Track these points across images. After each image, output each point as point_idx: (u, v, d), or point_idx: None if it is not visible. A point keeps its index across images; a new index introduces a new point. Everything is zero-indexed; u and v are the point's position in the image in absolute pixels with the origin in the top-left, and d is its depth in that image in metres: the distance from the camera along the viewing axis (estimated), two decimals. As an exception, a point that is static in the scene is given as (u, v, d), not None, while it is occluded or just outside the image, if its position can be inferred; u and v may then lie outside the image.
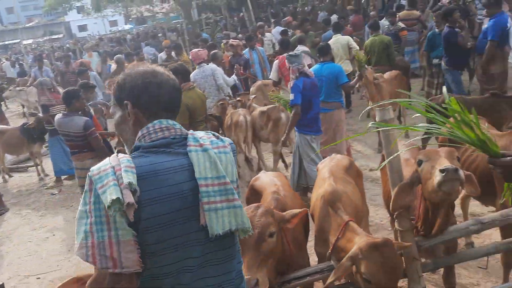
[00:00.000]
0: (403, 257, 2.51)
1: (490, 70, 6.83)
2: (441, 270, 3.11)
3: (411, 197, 2.41)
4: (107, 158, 1.58)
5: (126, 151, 1.74)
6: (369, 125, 2.30)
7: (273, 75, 7.51)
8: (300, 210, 2.44)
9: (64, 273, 4.88)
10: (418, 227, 2.60)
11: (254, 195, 3.05)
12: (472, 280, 3.55)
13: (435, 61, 7.84)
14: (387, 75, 7.39)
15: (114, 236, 1.45)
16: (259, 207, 2.37)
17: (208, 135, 1.70)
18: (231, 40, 10.20)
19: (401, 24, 9.85)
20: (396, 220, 2.53)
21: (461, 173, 2.13)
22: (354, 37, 10.67)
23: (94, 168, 1.54)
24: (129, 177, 1.46)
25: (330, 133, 5.86)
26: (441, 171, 2.12)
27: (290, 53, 5.59)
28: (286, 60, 5.76)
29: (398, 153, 2.35)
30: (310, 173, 5.26)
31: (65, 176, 8.03)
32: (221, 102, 6.83)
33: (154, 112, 1.65)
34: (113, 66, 10.93)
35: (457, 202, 3.71)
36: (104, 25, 37.11)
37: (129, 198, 1.43)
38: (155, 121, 1.63)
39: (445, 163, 2.16)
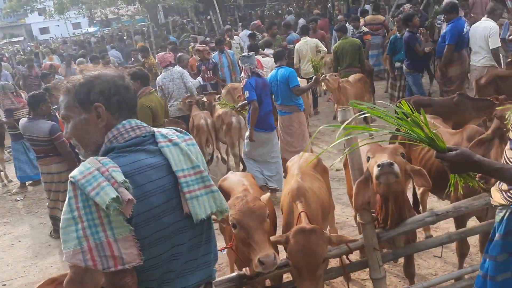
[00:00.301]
0: (365, 248, 2.67)
1: (448, 73, 7.14)
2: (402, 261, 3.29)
3: (369, 193, 2.57)
4: (85, 162, 1.58)
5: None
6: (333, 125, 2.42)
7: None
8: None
9: (32, 279, 4.82)
10: (379, 220, 2.76)
11: (223, 194, 3.13)
12: (431, 270, 3.75)
13: (397, 64, 8.14)
14: (351, 78, 7.63)
15: (110, 235, 1.49)
16: (246, 196, 2.51)
17: (172, 131, 1.79)
18: (197, 45, 10.22)
19: (365, 29, 10.16)
20: (358, 213, 2.68)
21: (396, 167, 2.35)
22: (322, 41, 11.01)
23: (76, 174, 1.54)
24: (121, 176, 1.52)
25: (292, 135, 6.06)
26: (378, 165, 2.33)
27: (243, 54, 5.99)
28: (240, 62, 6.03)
29: (356, 148, 2.49)
30: (250, 171, 5.62)
31: (30, 182, 7.86)
32: (188, 100, 6.94)
33: (124, 113, 1.71)
34: (77, 69, 10.77)
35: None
36: (67, 27, 36.24)
37: (127, 195, 1.49)
38: (124, 122, 1.68)
39: (383, 158, 2.35)
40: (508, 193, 2.03)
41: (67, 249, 1.48)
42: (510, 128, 2.13)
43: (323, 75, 6.52)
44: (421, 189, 4.17)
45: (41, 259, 5.30)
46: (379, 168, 2.33)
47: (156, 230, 1.59)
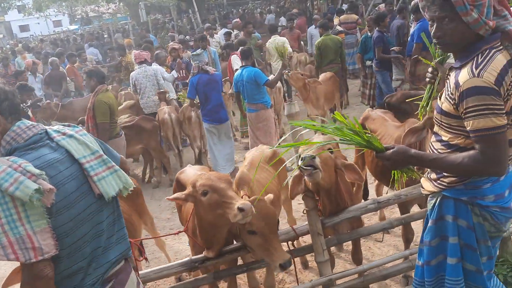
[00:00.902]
0: (310, 234, 2.86)
1: (417, 71, 7.37)
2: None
3: (302, 186, 2.80)
4: None
5: None
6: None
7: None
8: None
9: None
10: (320, 209, 2.94)
11: (180, 187, 3.30)
12: (383, 257, 3.96)
13: (368, 63, 8.36)
14: (322, 76, 7.84)
15: (29, 228, 1.58)
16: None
17: (61, 126, 1.94)
18: (172, 43, 10.33)
19: (339, 28, 10.38)
20: (303, 201, 2.85)
21: (317, 160, 2.52)
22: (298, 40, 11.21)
23: None
24: (35, 169, 1.65)
25: (259, 131, 6.26)
26: (301, 158, 2.49)
27: (194, 52, 6.63)
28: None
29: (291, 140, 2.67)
30: (213, 160, 6.55)
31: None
32: (161, 91, 7.26)
33: (15, 117, 1.82)
34: None
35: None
36: (48, 25, 35.86)
37: (47, 185, 1.62)
38: (18, 123, 1.79)
39: (308, 152, 2.52)
40: (438, 181, 2.18)
41: None
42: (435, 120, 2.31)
43: (287, 71, 6.72)
44: (376, 181, 4.39)
45: None
46: (301, 161, 2.47)
47: (76, 214, 1.75)
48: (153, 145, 6.77)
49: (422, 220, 3.37)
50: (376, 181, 4.41)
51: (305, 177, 2.61)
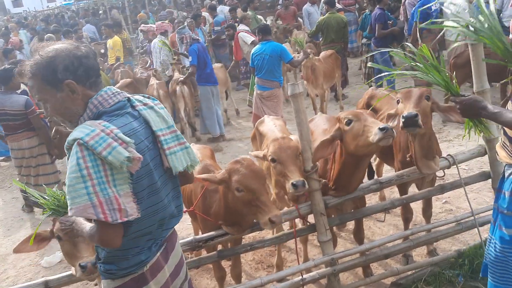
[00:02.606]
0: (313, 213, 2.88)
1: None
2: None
3: (330, 151, 2.79)
4: (86, 125, 1.70)
5: (67, 129, 1.93)
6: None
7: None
8: None
9: (4, 251, 4.94)
10: (331, 186, 2.95)
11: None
12: (383, 236, 4.01)
13: (363, 40, 8.28)
14: (322, 54, 7.76)
15: (116, 191, 1.66)
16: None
17: (141, 97, 1.96)
18: (142, 25, 10.26)
19: (338, 5, 10.23)
20: (307, 182, 2.84)
21: (419, 119, 2.60)
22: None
23: (82, 136, 1.63)
24: (126, 137, 1.70)
25: (266, 108, 6.22)
26: (381, 129, 2.45)
27: (180, 27, 7.81)
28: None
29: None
30: (207, 122, 7.23)
31: (2, 158, 7.87)
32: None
33: (93, 81, 1.82)
34: (32, 48, 10.54)
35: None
36: (41, 0, 35.19)
37: (136, 154, 1.69)
38: (105, 89, 1.82)
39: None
40: None
41: (76, 205, 1.61)
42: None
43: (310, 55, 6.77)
44: (377, 160, 4.40)
45: (13, 232, 5.41)
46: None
47: (150, 183, 1.81)
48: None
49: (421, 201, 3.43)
50: (376, 160, 4.43)
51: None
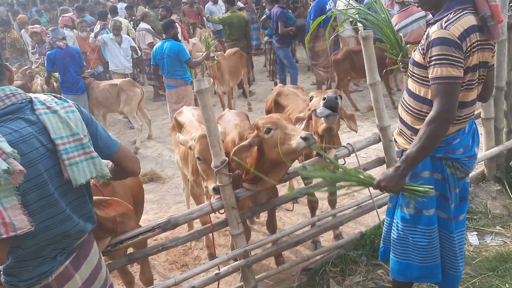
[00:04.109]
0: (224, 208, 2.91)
1: (315, 47, 7.70)
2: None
3: (248, 155, 2.79)
4: None
5: None
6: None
7: None
8: None
9: None
10: (244, 179, 2.98)
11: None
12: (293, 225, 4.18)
13: (265, 38, 8.53)
14: (227, 52, 7.84)
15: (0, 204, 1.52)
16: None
17: (50, 97, 1.80)
18: (30, 26, 9.68)
19: (240, 4, 10.40)
20: (218, 177, 2.86)
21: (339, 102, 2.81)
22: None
23: None
24: (8, 147, 1.53)
25: (179, 108, 6.15)
26: (304, 138, 2.50)
27: (50, 29, 7.51)
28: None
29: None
30: None
31: None
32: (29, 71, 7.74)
33: None
34: None
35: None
36: None
37: (17, 165, 1.52)
38: None
39: (300, 132, 2.60)
40: (413, 140, 2.25)
41: None
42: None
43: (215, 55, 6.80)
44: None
45: None
46: (323, 102, 2.66)
47: (44, 195, 1.67)
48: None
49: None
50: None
51: (323, 121, 2.72)
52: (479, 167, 4.14)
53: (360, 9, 2.68)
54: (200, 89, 2.74)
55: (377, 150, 4.92)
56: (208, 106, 2.77)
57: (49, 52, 6.80)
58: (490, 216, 3.65)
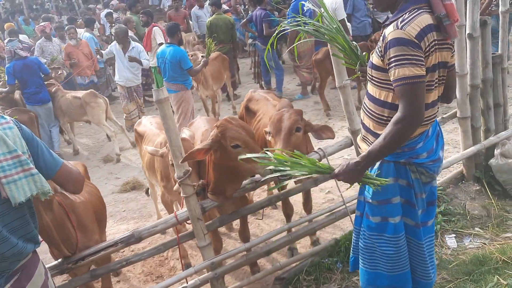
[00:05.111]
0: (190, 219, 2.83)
1: (296, 49, 7.61)
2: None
3: (202, 157, 2.73)
4: None
5: None
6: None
7: None
8: None
9: None
10: (209, 189, 2.91)
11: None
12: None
13: (249, 41, 8.44)
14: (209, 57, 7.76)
15: None
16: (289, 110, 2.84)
17: None
18: None
19: (225, 6, 10.34)
20: (181, 188, 2.79)
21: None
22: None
23: None
24: None
25: (176, 112, 6.32)
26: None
27: (6, 40, 7.51)
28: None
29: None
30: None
31: None
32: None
33: None
34: None
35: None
36: None
37: None
38: None
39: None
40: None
41: None
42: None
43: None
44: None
45: None
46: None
47: None
48: (32, 139, 6.25)
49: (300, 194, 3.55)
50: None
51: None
52: (457, 167, 4.07)
53: (310, 22, 2.58)
54: (159, 99, 2.66)
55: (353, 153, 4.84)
56: (168, 115, 2.69)
57: (7, 65, 6.83)
58: (468, 217, 3.57)
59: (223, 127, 2.68)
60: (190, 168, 2.78)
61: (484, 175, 3.85)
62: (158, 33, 7.99)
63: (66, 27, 9.30)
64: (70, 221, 2.51)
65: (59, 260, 2.60)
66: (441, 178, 3.95)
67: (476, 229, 3.47)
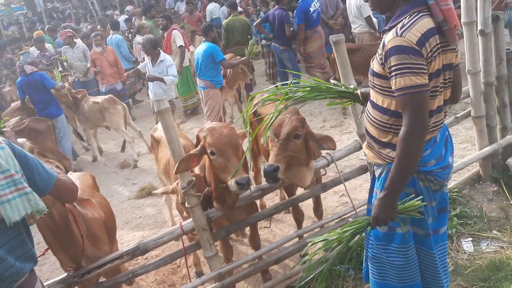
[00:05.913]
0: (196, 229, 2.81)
1: (306, 50, 7.48)
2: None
3: (196, 164, 2.74)
4: None
5: None
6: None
7: None
8: None
9: None
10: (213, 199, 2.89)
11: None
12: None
13: (263, 42, 8.36)
14: (227, 57, 7.74)
15: None
16: (292, 117, 2.76)
17: None
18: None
19: (239, 8, 10.30)
20: (185, 198, 2.77)
21: (280, 171, 2.57)
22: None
23: None
24: None
25: (206, 109, 6.51)
26: (238, 184, 2.50)
27: (21, 52, 7.60)
28: None
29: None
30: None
31: None
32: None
33: None
34: None
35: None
36: None
37: None
38: None
39: (241, 173, 2.54)
40: (383, 154, 2.18)
41: None
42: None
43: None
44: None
45: None
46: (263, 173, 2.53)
47: None
48: (50, 147, 6.35)
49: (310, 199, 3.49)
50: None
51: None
52: (474, 168, 3.93)
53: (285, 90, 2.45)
54: (161, 110, 2.65)
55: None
56: (170, 126, 2.68)
57: (18, 80, 6.95)
58: (486, 220, 3.45)
59: (205, 132, 2.67)
60: (193, 178, 2.76)
61: (501, 175, 3.70)
62: (177, 36, 8.09)
63: (92, 34, 9.34)
64: (78, 229, 2.51)
65: (65, 274, 2.62)
66: (457, 179, 3.83)
67: (494, 232, 3.34)
